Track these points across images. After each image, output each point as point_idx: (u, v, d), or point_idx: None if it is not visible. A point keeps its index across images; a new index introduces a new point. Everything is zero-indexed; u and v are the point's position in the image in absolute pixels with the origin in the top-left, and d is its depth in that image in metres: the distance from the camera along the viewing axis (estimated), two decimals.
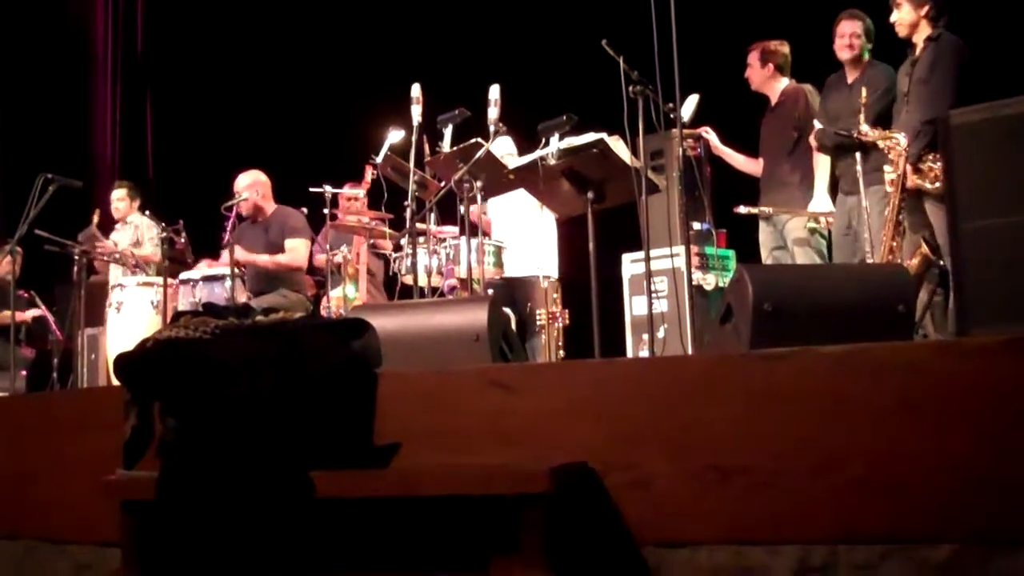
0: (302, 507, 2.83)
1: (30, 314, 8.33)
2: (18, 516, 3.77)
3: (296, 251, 7.27)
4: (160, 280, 6.98)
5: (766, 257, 6.41)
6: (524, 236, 6.93)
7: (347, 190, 7.48)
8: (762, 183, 6.53)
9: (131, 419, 2.95)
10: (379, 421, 3.02)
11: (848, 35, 5.98)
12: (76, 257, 7.21)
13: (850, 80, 5.98)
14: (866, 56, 6.00)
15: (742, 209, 6.29)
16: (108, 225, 8.18)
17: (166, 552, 2.94)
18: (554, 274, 6.72)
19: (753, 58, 6.58)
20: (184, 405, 2.91)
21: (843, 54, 6.01)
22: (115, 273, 7.78)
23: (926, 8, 5.45)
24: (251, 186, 7.36)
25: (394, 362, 3.53)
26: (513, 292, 6.71)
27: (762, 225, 6.42)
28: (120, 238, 7.98)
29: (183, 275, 6.99)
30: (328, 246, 7.23)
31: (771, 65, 6.53)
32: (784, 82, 6.55)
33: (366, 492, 2.81)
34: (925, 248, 5.10)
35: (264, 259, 7.19)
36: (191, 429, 2.89)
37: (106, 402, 3.38)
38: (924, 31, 5.48)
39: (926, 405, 2.64)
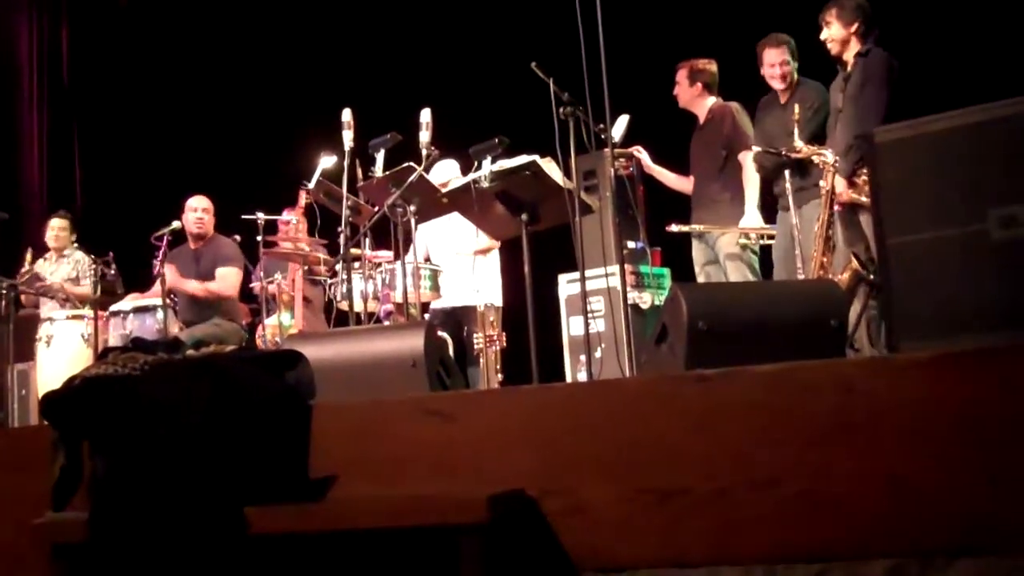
0: (236, 544, 2.78)
1: None
2: None
3: (226, 279, 7.18)
4: (90, 313, 6.87)
5: (699, 273, 6.45)
6: (463, 263, 6.92)
7: (286, 215, 7.42)
8: (693, 201, 6.57)
9: (59, 459, 2.89)
10: (314, 454, 2.99)
11: (777, 64, 6.08)
12: (3, 291, 7.07)
13: (783, 101, 6.07)
14: (795, 76, 6.09)
15: (674, 227, 6.32)
16: (36, 255, 8.01)
17: None
18: (497, 301, 6.72)
19: (681, 76, 6.63)
20: (114, 443, 2.86)
21: (775, 84, 6.11)
22: (46, 307, 7.63)
23: (855, 25, 5.53)
24: (208, 208, 7.30)
25: (330, 391, 3.50)
26: (451, 318, 6.71)
27: (695, 242, 6.46)
28: (55, 270, 7.83)
29: (113, 307, 6.89)
30: (262, 273, 7.16)
31: (699, 83, 6.59)
32: (711, 100, 6.60)
33: (302, 527, 2.77)
34: (855, 263, 5.15)
35: (194, 285, 7.10)
36: (121, 468, 2.84)
37: (33, 442, 3.31)
38: (854, 47, 5.56)
39: (859, 421, 2.66)
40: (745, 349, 3.24)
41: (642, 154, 6.71)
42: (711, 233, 6.32)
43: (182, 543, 2.80)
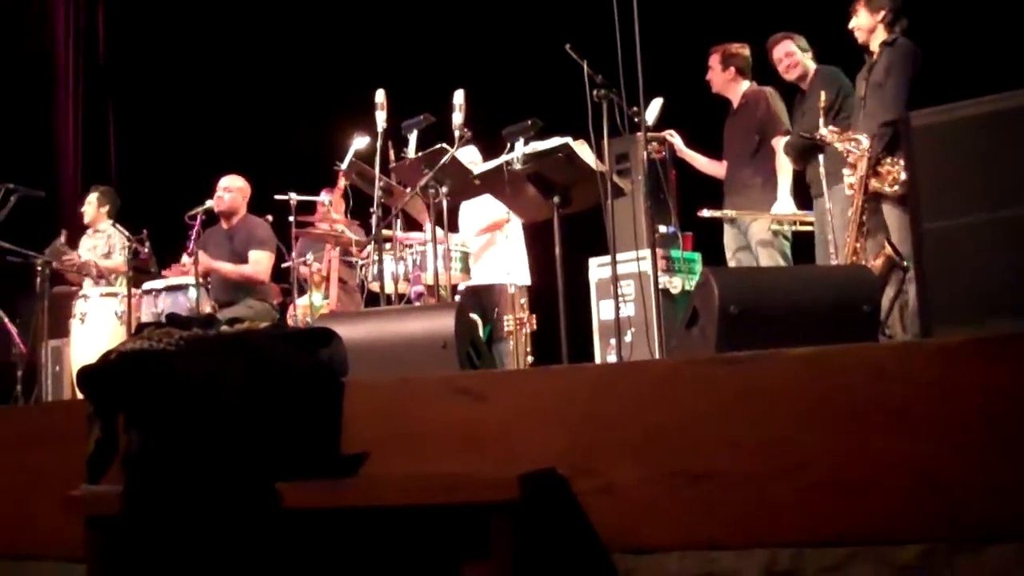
0: (269, 518, 2.81)
1: None
2: None
3: (259, 263, 7.22)
4: (124, 291, 6.92)
5: (730, 259, 6.43)
6: (491, 243, 6.92)
7: (323, 196, 7.44)
8: (726, 186, 6.55)
9: (95, 432, 2.92)
10: (346, 430, 3.01)
11: (784, 57, 6.16)
12: (39, 268, 7.13)
13: (806, 90, 6.10)
14: (811, 65, 6.12)
15: (706, 213, 6.31)
16: (77, 234, 8.08)
17: (132, 568, 2.91)
18: (523, 280, 6.72)
19: (714, 61, 6.61)
20: (149, 417, 2.88)
21: (789, 76, 6.18)
22: (87, 284, 7.70)
23: (882, 14, 5.52)
24: (239, 189, 7.33)
25: (361, 371, 3.51)
26: (480, 299, 6.71)
27: (726, 227, 6.45)
28: (92, 246, 7.89)
29: (146, 285, 6.93)
30: (295, 254, 7.19)
31: (732, 68, 6.56)
32: (745, 84, 6.58)
33: (333, 502, 2.79)
34: (889, 249, 5.13)
35: (227, 267, 7.14)
36: (156, 441, 2.86)
37: (69, 416, 3.35)
38: (880, 36, 5.54)
39: (891, 406, 2.66)
40: (776, 333, 3.23)
41: (675, 138, 6.69)
42: (743, 219, 6.30)
43: (215, 517, 2.83)
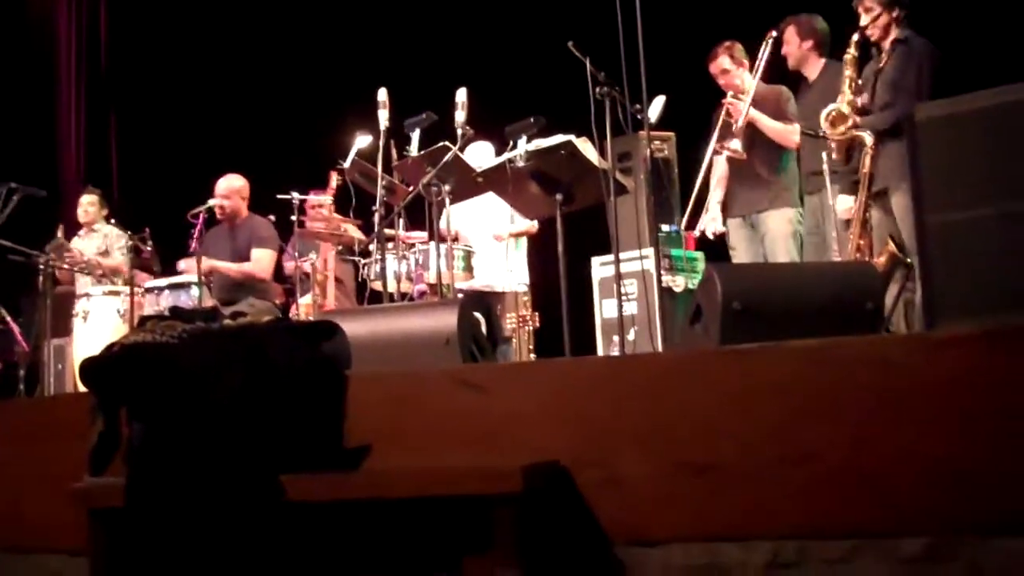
0: (272, 511, 2.80)
1: None
2: None
3: (261, 261, 7.22)
4: (126, 289, 6.92)
5: (740, 256, 6.33)
6: (495, 246, 6.92)
7: (312, 197, 7.44)
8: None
9: (97, 425, 2.92)
10: (349, 423, 3.01)
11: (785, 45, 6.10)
12: (41, 267, 7.14)
13: (811, 84, 6.04)
14: (806, 55, 6.07)
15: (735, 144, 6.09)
16: (71, 233, 8.08)
17: (135, 560, 2.91)
18: (525, 281, 6.71)
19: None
20: (151, 410, 2.89)
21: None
22: (82, 282, 7.70)
23: (896, 11, 5.49)
24: (235, 191, 7.32)
25: (364, 367, 3.51)
26: (483, 300, 6.71)
27: (733, 225, 6.39)
28: (85, 246, 7.89)
29: (149, 283, 6.93)
30: (296, 253, 7.19)
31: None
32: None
33: (337, 495, 2.79)
34: (892, 245, 5.12)
35: (229, 267, 7.14)
36: (158, 434, 2.87)
37: (71, 409, 3.35)
38: (892, 34, 5.52)
39: (895, 398, 2.65)
40: (779, 330, 3.22)
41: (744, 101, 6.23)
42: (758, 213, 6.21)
43: (217, 509, 2.82)
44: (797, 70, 6.25)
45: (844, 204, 5.65)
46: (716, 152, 6.23)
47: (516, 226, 6.83)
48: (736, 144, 6.00)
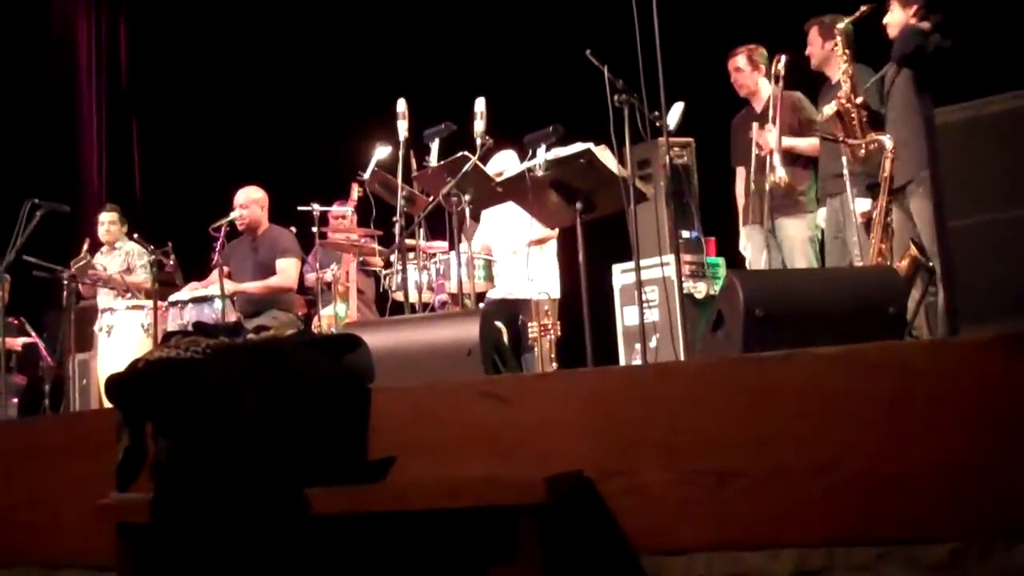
0: (298, 525, 2.81)
1: (20, 341, 8.31)
2: (12, 543, 3.75)
3: (286, 272, 7.24)
4: (149, 303, 6.96)
5: (760, 262, 6.32)
6: (521, 255, 6.90)
7: (335, 208, 7.47)
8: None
9: (123, 440, 2.94)
10: (373, 436, 3.02)
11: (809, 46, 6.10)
12: (65, 283, 7.18)
13: (832, 82, 6.02)
14: (827, 58, 6.05)
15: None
16: (93, 250, 8.13)
17: (162, 574, 2.92)
18: (553, 292, 6.69)
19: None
20: (177, 425, 2.90)
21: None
22: (105, 298, 7.74)
23: (914, 8, 5.48)
24: (254, 201, 7.34)
25: (387, 379, 3.52)
26: (506, 308, 6.70)
27: (745, 230, 6.39)
28: (108, 263, 7.94)
29: (172, 297, 6.97)
30: (317, 265, 7.21)
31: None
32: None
33: (361, 508, 2.80)
34: (914, 250, 5.11)
35: (254, 286, 7.14)
36: (184, 449, 2.88)
37: (98, 425, 3.37)
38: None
39: (920, 404, 2.64)
40: (802, 336, 3.22)
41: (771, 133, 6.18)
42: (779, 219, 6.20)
43: (243, 523, 2.84)
44: (820, 70, 6.24)
45: (862, 207, 5.64)
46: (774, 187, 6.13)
47: (535, 232, 6.81)
48: (782, 173, 5.95)
